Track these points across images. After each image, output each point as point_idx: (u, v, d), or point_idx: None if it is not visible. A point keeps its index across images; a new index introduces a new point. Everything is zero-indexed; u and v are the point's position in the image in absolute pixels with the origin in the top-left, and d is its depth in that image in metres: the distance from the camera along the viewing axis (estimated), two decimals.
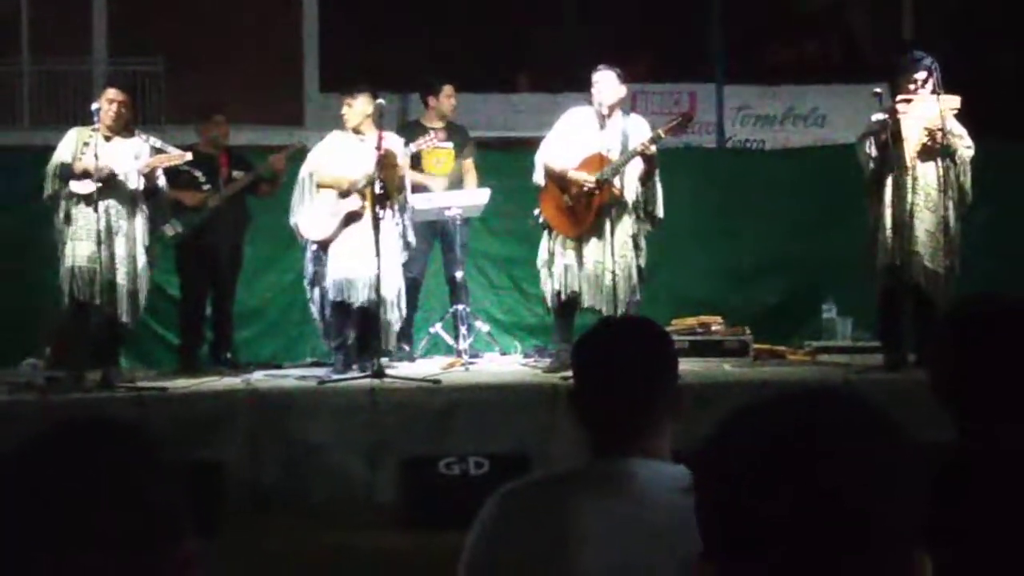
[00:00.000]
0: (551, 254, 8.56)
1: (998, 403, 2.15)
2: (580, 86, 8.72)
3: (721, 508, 1.26)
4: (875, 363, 8.47)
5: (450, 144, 9.56)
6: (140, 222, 8.45)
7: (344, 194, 8.47)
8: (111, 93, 8.49)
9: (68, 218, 8.29)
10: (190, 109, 10.23)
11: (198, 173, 9.22)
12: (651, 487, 2.36)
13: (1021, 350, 2.18)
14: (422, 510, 6.93)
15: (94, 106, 8.39)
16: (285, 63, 19.20)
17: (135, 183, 8.39)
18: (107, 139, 8.31)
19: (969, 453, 2.13)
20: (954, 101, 8.07)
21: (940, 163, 8.09)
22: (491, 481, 5.96)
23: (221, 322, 9.50)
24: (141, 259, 8.42)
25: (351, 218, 8.46)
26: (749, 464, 1.24)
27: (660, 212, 8.53)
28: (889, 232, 8.11)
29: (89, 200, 8.18)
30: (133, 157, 8.41)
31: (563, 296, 8.50)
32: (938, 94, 7.99)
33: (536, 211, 8.64)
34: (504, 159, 10.66)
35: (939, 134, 7.98)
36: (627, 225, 8.41)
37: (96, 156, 8.12)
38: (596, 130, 8.47)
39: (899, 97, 8.11)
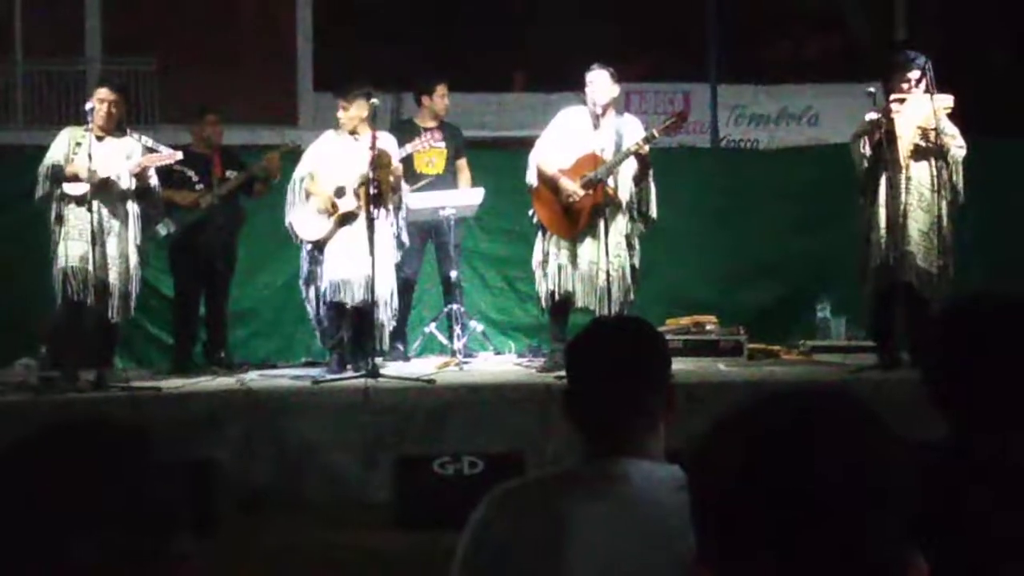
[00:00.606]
0: (545, 254, 8.56)
1: (992, 404, 2.15)
2: (575, 86, 8.72)
3: (715, 508, 1.26)
4: (869, 362, 8.48)
5: (443, 144, 9.56)
6: (132, 222, 8.44)
7: (338, 194, 8.47)
8: (102, 93, 8.48)
9: (60, 218, 8.27)
10: (184, 109, 10.23)
11: (191, 173, 9.23)
12: (645, 487, 2.36)
13: (1014, 349, 2.18)
14: (416, 510, 6.93)
15: (87, 106, 8.39)
16: (279, 62, 19.19)
17: (127, 183, 8.38)
18: (99, 139, 8.30)
19: (961, 454, 2.13)
20: (947, 100, 8.08)
21: (933, 163, 8.09)
22: (485, 481, 5.96)
23: (215, 322, 9.49)
24: (133, 258, 8.41)
25: (346, 218, 8.46)
26: (743, 464, 1.25)
27: (654, 212, 8.53)
28: (882, 231, 8.12)
29: (81, 200, 8.17)
30: (125, 157, 8.40)
31: (557, 296, 8.50)
32: (931, 94, 8.00)
33: (530, 211, 8.65)
34: (498, 159, 10.66)
35: (932, 133, 8.00)
36: (621, 225, 8.42)
37: (89, 156, 8.11)
38: (590, 130, 8.47)
39: (893, 96, 8.11)
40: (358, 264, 8.26)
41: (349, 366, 8.53)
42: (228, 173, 9.36)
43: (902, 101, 8.07)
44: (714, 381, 8.16)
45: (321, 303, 8.59)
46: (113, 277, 8.27)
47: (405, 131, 9.48)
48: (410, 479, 7.17)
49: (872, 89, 8.27)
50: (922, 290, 8.11)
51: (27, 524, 1.39)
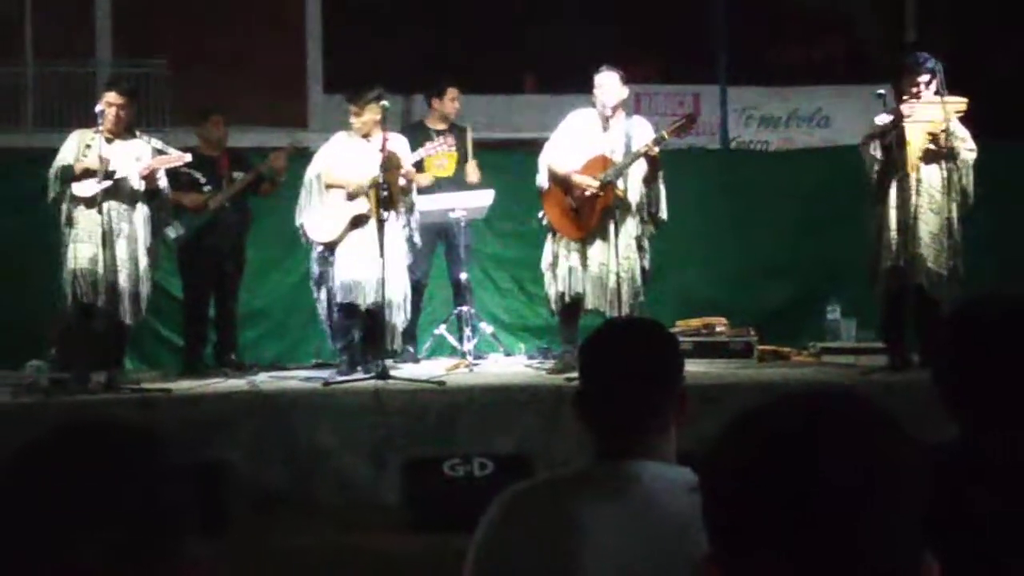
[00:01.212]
0: (555, 256, 8.56)
1: (1002, 405, 2.15)
2: (585, 87, 8.71)
3: (726, 509, 1.26)
4: (879, 364, 8.46)
5: (454, 147, 9.55)
6: (141, 224, 8.45)
7: (351, 196, 8.47)
8: (110, 96, 8.47)
9: (70, 221, 8.29)
10: (194, 111, 10.23)
11: (198, 175, 9.24)
12: (656, 489, 2.36)
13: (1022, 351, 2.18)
14: (426, 511, 6.93)
15: (97, 108, 8.40)
16: (289, 64, 19.21)
17: (136, 185, 8.39)
18: (109, 141, 8.31)
19: (972, 455, 2.12)
20: (961, 103, 8.07)
21: (944, 165, 8.08)
22: (495, 482, 5.97)
23: (225, 323, 9.50)
24: (143, 260, 8.42)
25: (358, 220, 8.46)
26: (754, 466, 1.24)
27: (664, 214, 8.53)
28: (893, 233, 8.11)
29: (91, 202, 8.18)
30: (135, 159, 8.41)
31: (567, 298, 8.50)
32: (942, 96, 7.99)
33: (540, 213, 8.64)
34: (509, 160, 10.66)
35: (943, 136, 7.98)
36: (631, 227, 8.41)
37: (100, 158, 8.12)
38: (599, 132, 8.48)
39: (905, 98, 8.10)
40: (370, 266, 8.26)
41: (359, 368, 8.53)
42: (235, 174, 9.37)
43: (916, 99, 8.05)
44: (724, 383, 8.14)
45: (332, 304, 8.59)
46: (123, 279, 8.27)
47: (416, 133, 9.47)
48: (420, 481, 7.17)
49: (882, 91, 8.26)
50: (932, 292, 8.10)
51: (38, 526, 1.39)
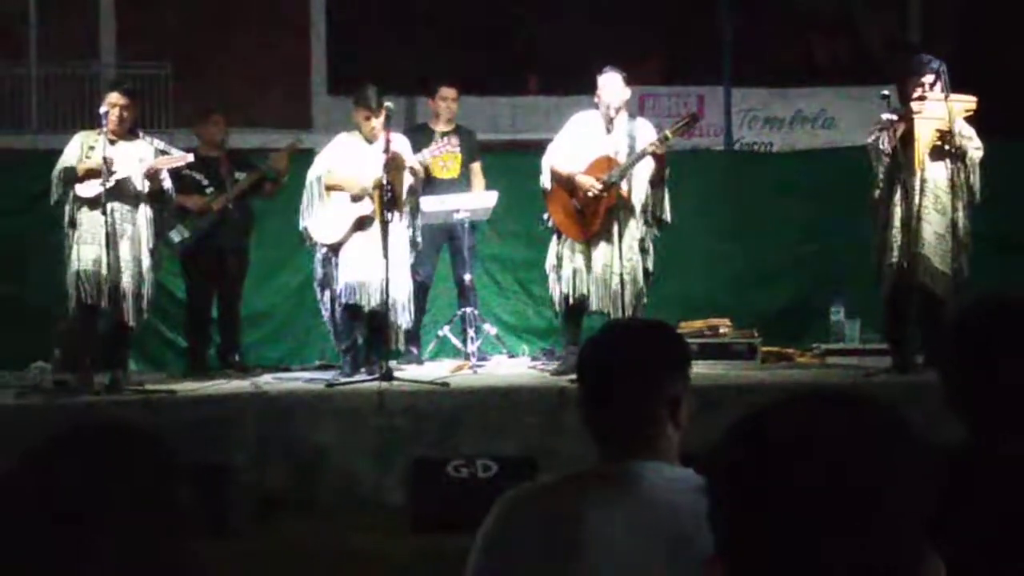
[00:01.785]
0: (559, 258, 8.56)
1: (1009, 406, 2.15)
2: (589, 89, 8.71)
3: (733, 510, 1.26)
4: (883, 365, 8.46)
5: (458, 148, 9.54)
6: (144, 225, 8.45)
7: (355, 199, 8.47)
8: (113, 97, 8.48)
9: (74, 222, 8.29)
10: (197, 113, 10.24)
11: (200, 176, 9.24)
12: (658, 489, 2.36)
13: None
14: (430, 513, 6.93)
15: (101, 109, 8.40)
16: (293, 66, 19.21)
17: (139, 186, 8.40)
18: (112, 142, 8.32)
19: (978, 455, 2.12)
20: (970, 101, 8.06)
21: (950, 164, 8.07)
22: (499, 484, 5.98)
23: (228, 325, 9.50)
24: (146, 261, 8.42)
25: (361, 222, 8.45)
26: (759, 467, 1.24)
27: (668, 216, 8.53)
28: (896, 232, 8.10)
29: (94, 204, 8.18)
30: (138, 160, 8.41)
31: (571, 300, 8.50)
32: (946, 96, 7.98)
33: (544, 215, 8.64)
34: (513, 162, 10.65)
35: (949, 135, 7.97)
36: (634, 228, 8.41)
37: (103, 159, 8.12)
38: (603, 133, 8.47)
39: (914, 96, 8.08)
40: (374, 267, 8.26)
41: (363, 369, 8.54)
42: (237, 175, 9.37)
43: (922, 99, 8.04)
44: (728, 384, 8.14)
45: (336, 306, 8.59)
46: (126, 280, 8.28)
47: (419, 135, 9.47)
48: (424, 482, 7.18)
49: (886, 92, 8.25)
50: (936, 292, 8.09)
51: (43, 527, 1.39)
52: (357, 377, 8.38)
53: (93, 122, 8.52)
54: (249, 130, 13.95)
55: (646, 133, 8.49)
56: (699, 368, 8.46)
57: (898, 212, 8.10)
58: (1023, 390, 2.14)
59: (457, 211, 9.28)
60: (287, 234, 9.14)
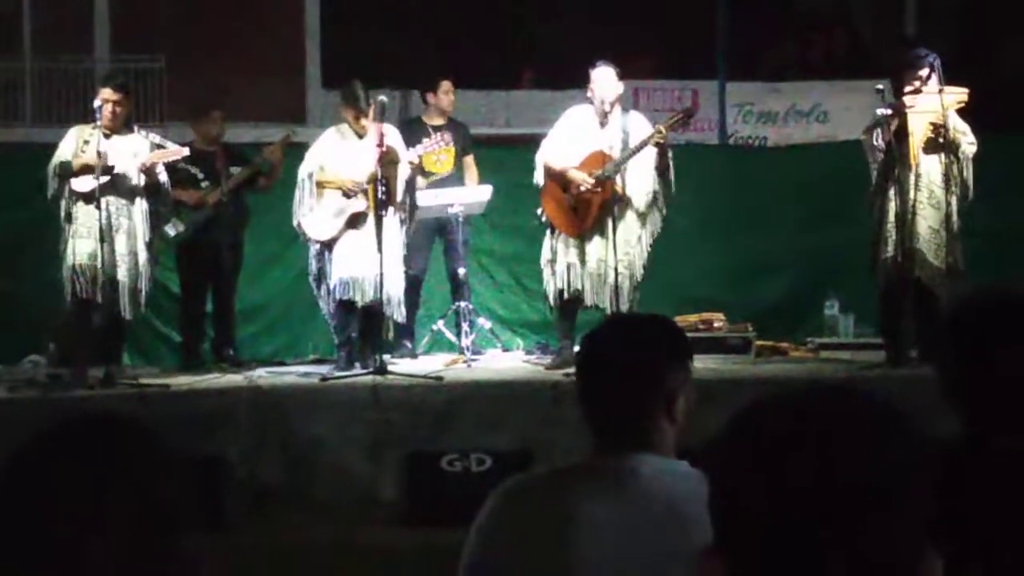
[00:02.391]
0: (554, 252, 8.56)
1: (1004, 400, 2.15)
2: (583, 83, 8.71)
3: (730, 504, 1.26)
4: (877, 359, 8.47)
5: (451, 143, 9.53)
6: (140, 218, 8.45)
7: (348, 195, 8.45)
8: (105, 93, 8.45)
9: (69, 216, 8.28)
10: (192, 107, 10.22)
11: (195, 170, 9.23)
12: (654, 482, 2.36)
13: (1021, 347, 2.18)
14: (424, 507, 6.94)
15: (95, 103, 8.39)
16: (287, 60, 19.18)
17: (135, 179, 8.39)
18: (107, 136, 8.31)
19: (974, 450, 2.12)
20: (962, 94, 8.06)
21: (943, 158, 8.08)
22: (493, 478, 5.97)
23: (223, 319, 9.49)
24: (142, 255, 8.42)
25: (355, 218, 8.44)
26: (756, 462, 1.24)
27: (664, 210, 8.54)
28: (892, 227, 8.11)
29: (90, 198, 8.18)
30: (132, 154, 8.40)
31: (566, 295, 8.50)
32: (941, 90, 7.99)
33: (539, 210, 8.64)
34: (507, 156, 10.65)
35: (942, 128, 7.98)
36: (629, 223, 8.41)
37: (98, 154, 8.12)
38: (597, 128, 8.47)
39: (907, 89, 8.09)
40: (368, 262, 8.25)
41: (357, 363, 8.53)
42: (232, 169, 9.35)
43: (916, 93, 8.04)
44: (722, 379, 8.14)
45: (331, 300, 8.58)
46: (122, 274, 8.27)
47: (413, 129, 9.47)
48: (418, 476, 7.19)
49: (881, 86, 8.26)
50: (930, 286, 8.10)
51: (36, 522, 1.39)
52: (351, 371, 8.38)
53: (88, 116, 8.50)
54: (243, 124, 13.92)
55: (640, 127, 8.48)
56: (694, 362, 8.45)
57: (892, 207, 8.11)
58: (1019, 382, 2.14)
59: (451, 205, 9.27)
60: (282, 228, 9.13)
